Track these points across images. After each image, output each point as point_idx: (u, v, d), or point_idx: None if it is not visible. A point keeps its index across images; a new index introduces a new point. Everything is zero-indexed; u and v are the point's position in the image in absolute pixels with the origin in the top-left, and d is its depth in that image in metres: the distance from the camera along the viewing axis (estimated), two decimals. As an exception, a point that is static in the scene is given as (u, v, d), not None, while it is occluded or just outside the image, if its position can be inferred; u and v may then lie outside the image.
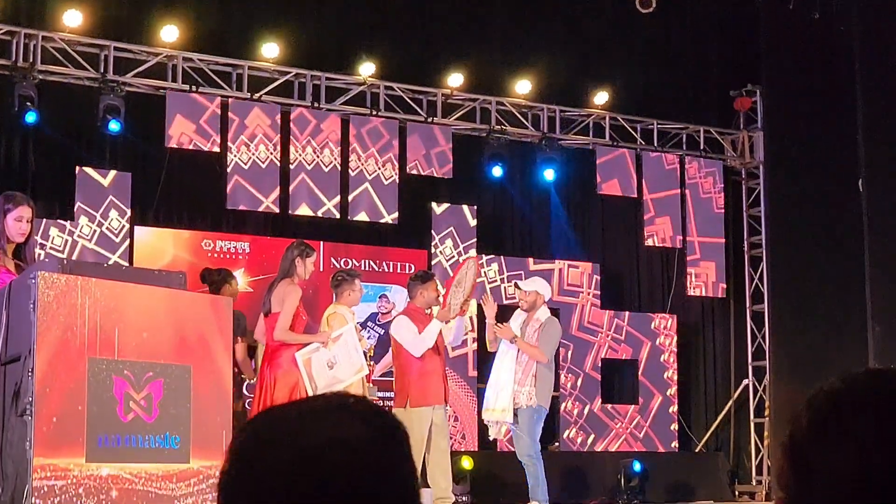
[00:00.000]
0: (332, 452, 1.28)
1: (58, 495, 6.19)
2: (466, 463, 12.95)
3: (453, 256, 14.12)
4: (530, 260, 14.64)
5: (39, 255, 11.39)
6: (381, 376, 13.66)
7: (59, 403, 6.31)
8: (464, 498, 13.22)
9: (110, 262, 12.11)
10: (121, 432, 6.60)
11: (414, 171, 13.92)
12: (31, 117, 11.91)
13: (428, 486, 10.21)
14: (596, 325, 14.86)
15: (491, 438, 10.66)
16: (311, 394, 9.09)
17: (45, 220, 12.19)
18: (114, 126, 12.29)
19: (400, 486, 1.33)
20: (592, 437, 14.62)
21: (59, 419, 6.29)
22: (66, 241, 12.27)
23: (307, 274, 9.41)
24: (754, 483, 15.24)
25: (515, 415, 10.26)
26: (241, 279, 13.11)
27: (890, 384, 1.33)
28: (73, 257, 11.97)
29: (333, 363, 9.31)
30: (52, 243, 12.15)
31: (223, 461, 1.38)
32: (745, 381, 15.52)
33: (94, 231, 12.41)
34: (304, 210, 13.36)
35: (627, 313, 15.12)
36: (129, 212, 12.61)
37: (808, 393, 1.37)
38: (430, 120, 14.09)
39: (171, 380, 6.93)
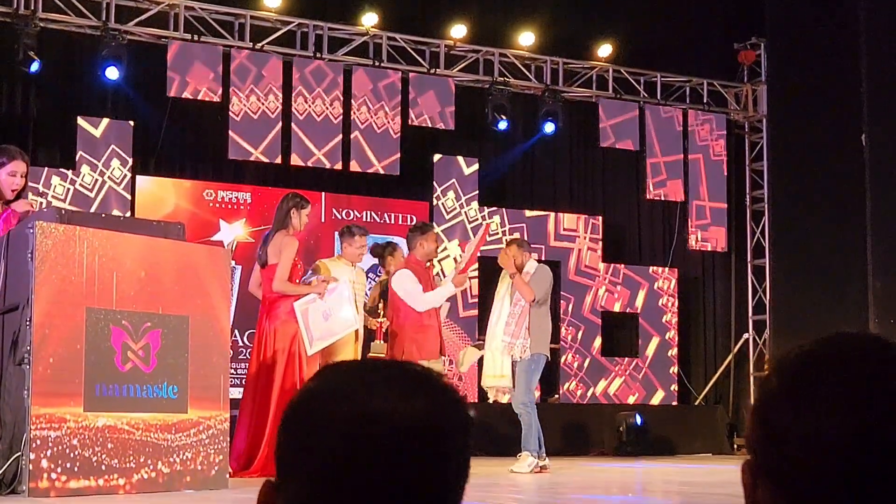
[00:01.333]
0: (385, 431, 1.28)
1: (51, 447, 6.22)
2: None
3: (455, 208, 14.13)
4: (539, 213, 14.65)
5: (41, 203, 11.41)
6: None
7: (57, 352, 6.33)
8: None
9: (112, 212, 12.15)
10: (118, 382, 6.63)
11: (416, 123, 13.89)
12: (34, 66, 11.89)
13: None
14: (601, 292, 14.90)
15: (490, 401, 10.71)
16: (307, 344, 9.13)
17: (46, 168, 12.21)
18: (112, 73, 12.27)
19: (444, 477, 1.33)
20: (592, 389, 14.68)
21: (57, 368, 6.32)
22: (67, 189, 12.27)
23: (302, 225, 9.40)
24: (753, 436, 15.26)
25: (513, 373, 10.27)
26: (242, 229, 13.15)
27: (862, 348, 1.34)
28: (74, 206, 11.99)
29: (329, 314, 9.33)
30: (53, 192, 12.15)
31: (284, 415, 1.38)
32: (746, 335, 15.56)
33: (96, 180, 12.41)
34: (305, 161, 13.35)
35: (627, 267, 15.13)
36: (130, 161, 12.61)
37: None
38: (432, 71, 14.04)
39: (169, 330, 6.95)
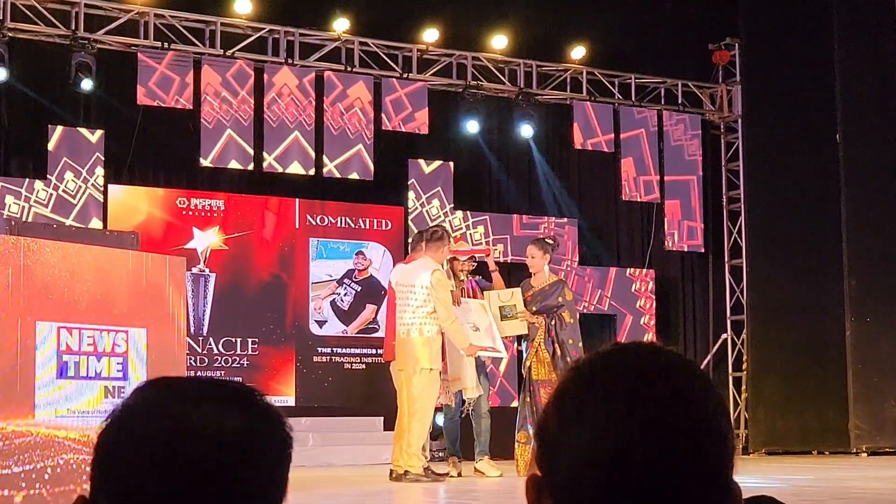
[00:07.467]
0: (198, 446, 1.28)
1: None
2: (440, 418, 13.02)
3: (416, 208, 14.09)
4: (515, 217, 14.64)
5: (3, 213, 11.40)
6: (358, 333, 13.74)
7: (5, 366, 6.30)
8: (440, 453, 13.30)
9: (90, 221, 12.15)
10: (72, 395, 6.60)
11: (389, 128, 13.86)
12: (1, 75, 11.89)
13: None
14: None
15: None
16: (498, 352, 10.41)
17: (16, 177, 12.21)
18: (86, 84, 12.26)
19: (257, 493, 1.33)
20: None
21: (5, 382, 6.28)
22: (39, 199, 12.23)
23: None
24: (732, 437, 15.26)
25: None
26: (216, 237, 13.12)
27: (630, 361, 1.34)
28: (50, 215, 12.01)
29: (476, 326, 10.14)
30: (24, 202, 12.12)
31: (101, 430, 1.37)
32: (724, 336, 15.54)
33: (67, 189, 12.37)
34: (278, 167, 13.33)
35: (606, 269, 15.10)
36: (102, 170, 12.57)
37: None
38: (405, 76, 14.03)
39: (124, 341, 6.92)
